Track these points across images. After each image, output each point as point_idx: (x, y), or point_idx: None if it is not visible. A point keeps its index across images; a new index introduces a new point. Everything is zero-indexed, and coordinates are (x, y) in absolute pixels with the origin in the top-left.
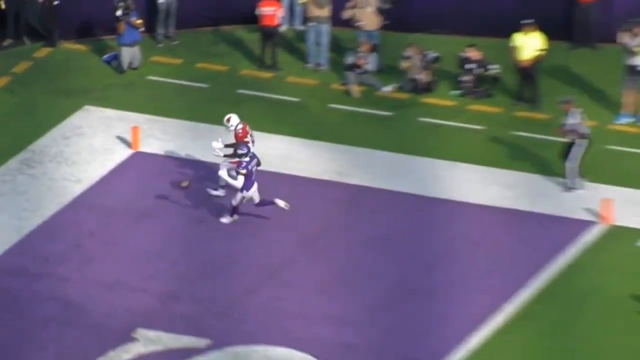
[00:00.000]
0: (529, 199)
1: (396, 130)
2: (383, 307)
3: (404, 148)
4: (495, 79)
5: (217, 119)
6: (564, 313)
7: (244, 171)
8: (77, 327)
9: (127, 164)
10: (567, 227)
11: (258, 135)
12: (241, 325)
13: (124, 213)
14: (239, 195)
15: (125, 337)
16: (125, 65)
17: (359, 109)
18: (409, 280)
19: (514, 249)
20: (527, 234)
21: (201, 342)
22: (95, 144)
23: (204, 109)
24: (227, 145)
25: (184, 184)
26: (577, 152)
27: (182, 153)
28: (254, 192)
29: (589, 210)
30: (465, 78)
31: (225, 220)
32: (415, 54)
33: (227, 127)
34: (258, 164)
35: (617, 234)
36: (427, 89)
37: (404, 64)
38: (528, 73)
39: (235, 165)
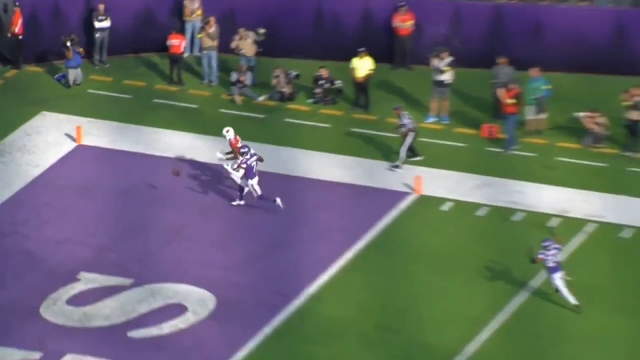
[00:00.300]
0: (364, 177)
1: (268, 128)
2: (260, 256)
3: (274, 141)
4: (339, 91)
5: (139, 121)
6: (390, 258)
7: (244, 166)
8: (36, 272)
9: (73, 153)
10: (391, 197)
11: (169, 133)
12: (156, 269)
13: (71, 189)
14: (249, 183)
15: (71, 278)
16: (71, 82)
17: (241, 113)
18: (278, 236)
19: (352, 212)
20: (362, 202)
21: (127, 281)
22: (49, 139)
23: (129, 114)
24: (227, 153)
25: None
26: (408, 142)
27: (114, 146)
28: (255, 182)
29: (405, 185)
30: (318, 90)
31: (235, 203)
32: (282, 73)
33: (225, 136)
34: (260, 159)
35: (425, 201)
36: (290, 98)
37: (273, 81)
38: (362, 87)
39: (238, 162)
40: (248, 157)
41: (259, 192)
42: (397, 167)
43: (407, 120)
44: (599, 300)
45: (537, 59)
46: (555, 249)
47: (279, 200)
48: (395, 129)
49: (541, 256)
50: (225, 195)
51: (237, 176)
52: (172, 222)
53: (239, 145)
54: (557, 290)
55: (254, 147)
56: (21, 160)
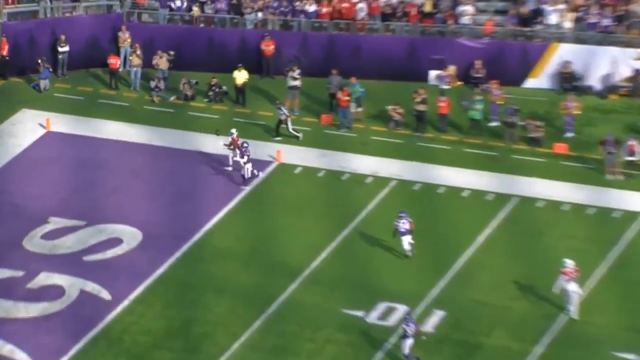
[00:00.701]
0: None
1: (177, 119)
2: (173, 204)
3: (179, 127)
4: (225, 93)
5: (89, 115)
6: (261, 205)
7: (248, 154)
8: (20, 217)
9: (44, 137)
10: (261, 164)
11: (109, 122)
12: (102, 214)
13: (43, 161)
14: (246, 166)
15: (44, 221)
16: (42, 88)
17: (158, 108)
18: (187, 190)
19: (238, 174)
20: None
21: (82, 222)
22: (27, 127)
23: (82, 110)
24: (228, 145)
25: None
26: (289, 124)
27: (72, 132)
28: (249, 166)
29: (270, 156)
30: (210, 93)
31: (243, 186)
32: (186, 81)
33: (231, 133)
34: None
35: (283, 167)
36: (192, 99)
37: (180, 87)
38: (241, 90)
39: (240, 152)
40: (246, 145)
41: (249, 173)
42: (298, 137)
43: (284, 112)
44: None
45: (357, 70)
46: (406, 220)
47: (259, 173)
48: (284, 121)
49: (396, 224)
50: (149, 163)
51: (244, 160)
52: (112, 181)
53: (239, 141)
54: (408, 252)
55: (166, 131)
56: (8, 142)
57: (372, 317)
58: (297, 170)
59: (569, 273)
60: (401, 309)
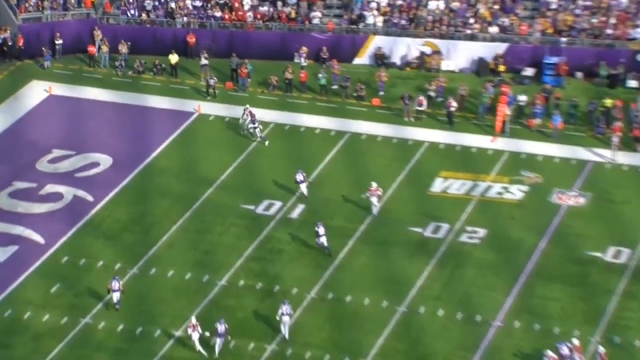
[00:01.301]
0: (179, 104)
1: (133, 86)
2: (130, 140)
3: (135, 91)
4: (164, 69)
5: (77, 83)
6: (191, 140)
7: (256, 121)
8: (32, 149)
9: (48, 98)
10: (188, 115)
11: (89, 89)
12: (87, 145)
13: (47, 113)
14: (257, 130)
15: (48, 152)
16: (46, 67)
17: (121, 80)
18: (131, 137)
19: (175, 118)
20: (177, 116)
21: (73, 152)
22: (36, 92)
23: (72, 80)
24: (249, 118)
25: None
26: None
27: (66, 95)
28: (259, 130)
29: (194, 108)
30: (154, 69)
31: (263, 141)
32: (138, 62)
33: (247, 107)
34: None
35: (203, 116)
36: (142, 73)
37: (135, 65)
38: (174, 67)
39: (251, 119)
40: (254, 118)
41: (259, 133)
42: (265, 143)
43: (247, 116)
44: None
45: (248, 54)
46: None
47: (267, 142)
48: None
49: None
50: (115, 113)
51: (257, 130)
52: (92, 126)
53: (254, 112)
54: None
55: (128, 94)
56: (24, 102)
57: (260, 209)
58: (211, 118)
59: (373, 191)
60: (277, 204)
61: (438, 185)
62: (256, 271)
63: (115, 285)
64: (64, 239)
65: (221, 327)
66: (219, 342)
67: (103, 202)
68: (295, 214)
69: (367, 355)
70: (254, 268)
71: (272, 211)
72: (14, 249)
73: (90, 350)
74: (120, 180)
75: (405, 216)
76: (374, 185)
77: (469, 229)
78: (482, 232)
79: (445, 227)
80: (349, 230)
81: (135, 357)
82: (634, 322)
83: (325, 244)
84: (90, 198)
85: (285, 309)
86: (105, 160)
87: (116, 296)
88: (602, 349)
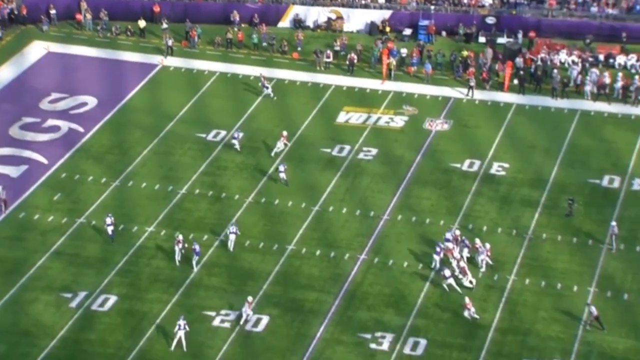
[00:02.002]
0: (145, 59)
1: (111, 45)
2: (109, 84)
3: (113, 48)
4: (134, 32)
5: (69, 43)
6: (156, 88)
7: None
8: (35, 93)
9: (46, 55)
10: (152, 66)
11: (79, 47)
12: (76, 89)
13: (46, 65)
14: (269, 91)
15: (48, 94)
16: (44, 31)
17: (102, 40)
18: (115, 77)
19: (143, 69)
20: (145, 67)
21: (67, 95)
22: (37, 51)
23: (65, 41)
24: (261, 79)
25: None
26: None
27: (61, 52)
28: (270, 89)
29: (157, 61)
30: (128, 32)
31: (272, 95)
32: (116, 26)
33: (260, 74)
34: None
35: (165, 67)
36: (118, 35)
37: (113, 29)
38: (142, 30)
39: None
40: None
41: (271, 93)
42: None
43: (265, 84)
44: None
45: (198, 19)
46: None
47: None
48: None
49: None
50: (98, 66)
51: (270, 91)
52: (81, 75)
53: (265, 76)
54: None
55: (108, 51)
56: (28, 58)
57: (209, 137)
58: (171, 69)
59: (283, 138)
60: (223, 132)
61: (342, 117)
62: (207, 183)
63: (108, 220)
64: (62, 160)
65: (197, 247)
66: (196, 258)
67: (91, 132)
68: (240, 141)
69: (291, 242)
70: (206, 180)
71: (219, 138)
72: (24, 167)
73: (84, 241)
74: (103, 115)
75: (318, 140)
76: (285, 133)
77: (365, 149)
78: (374, 151)
79: (347, 147)
80: (256, 170)
81: (119, 246)
82: (481, 213)
83: (285, 177)
84: (81, 129)
85: (233, 228)
86: (91, 101)
87: (110, 229)
88: (486, 245)
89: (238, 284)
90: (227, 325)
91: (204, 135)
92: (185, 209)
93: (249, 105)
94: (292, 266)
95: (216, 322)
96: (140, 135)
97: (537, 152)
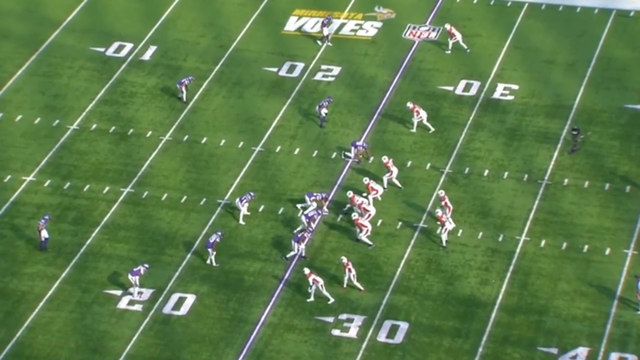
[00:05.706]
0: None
1: None
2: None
3: None
4: None
5: None
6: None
7: None
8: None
9: None
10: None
11: None
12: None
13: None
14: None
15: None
16: None
17: None
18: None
19: None
20: None
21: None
22: None
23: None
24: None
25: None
26: None
27: None
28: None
29: None
30: None
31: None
32: None
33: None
34: None
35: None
36: None
37: None
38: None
39: None
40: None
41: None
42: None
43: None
44: None
45: None
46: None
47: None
48: None
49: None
50: None
51: None
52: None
53: None
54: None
55: None
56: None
57: (110, 51)
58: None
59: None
60: (129, 45)
61: (292, 24)
62: (109, 114)
63: None
64: None
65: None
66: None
67: None
68: (147, 55)
69: (224, 195)
70: (106, 111)
71: (123, 53)
72: None
73: None
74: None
75: (260, 56)
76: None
77: (324, 67)
78: (336, 70)
79: (300, 65)
80: (203, 72)
81: None
82: (482, 152)
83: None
84: None
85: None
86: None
87: None
88: (441, 193)
89: (153, 252)
90: (137, 307)
91: (102, 50)
92: (78, 150)
93: (163, 6)
94: (226, 227)
95: (122, 304)
96: (11, 49)
97: (557, 69)
